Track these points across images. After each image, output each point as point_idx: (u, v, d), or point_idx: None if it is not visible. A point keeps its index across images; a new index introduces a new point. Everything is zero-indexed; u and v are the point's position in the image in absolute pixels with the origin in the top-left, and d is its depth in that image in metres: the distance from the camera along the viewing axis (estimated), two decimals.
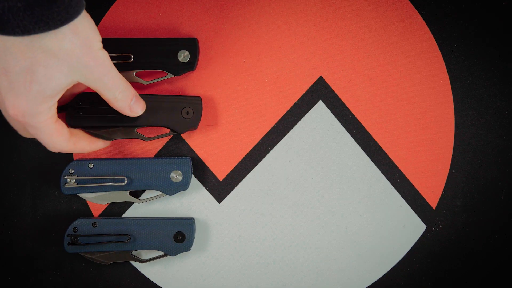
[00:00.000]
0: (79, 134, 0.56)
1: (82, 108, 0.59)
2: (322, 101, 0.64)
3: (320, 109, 0.64)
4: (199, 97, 0.61)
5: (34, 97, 0.44)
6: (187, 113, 0.60)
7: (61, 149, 0.52)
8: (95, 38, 0.46)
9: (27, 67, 0.42)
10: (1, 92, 0.45)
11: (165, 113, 0.60)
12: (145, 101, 0.58)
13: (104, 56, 0.47)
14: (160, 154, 0.63)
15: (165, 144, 0.63)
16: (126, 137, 0.60)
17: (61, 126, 0.50)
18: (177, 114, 0.60)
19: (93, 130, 0.59)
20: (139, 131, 0.61)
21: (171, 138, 0.63)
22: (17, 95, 0.44)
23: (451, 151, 0.64)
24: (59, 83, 0.45)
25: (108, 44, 0.61)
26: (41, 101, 0.45)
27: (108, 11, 0.62)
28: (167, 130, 0.61)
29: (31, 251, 0.63)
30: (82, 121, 0.58)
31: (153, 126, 0.60)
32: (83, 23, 0.44)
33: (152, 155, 0.63)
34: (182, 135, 0.63)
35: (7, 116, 0.49)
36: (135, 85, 0.63)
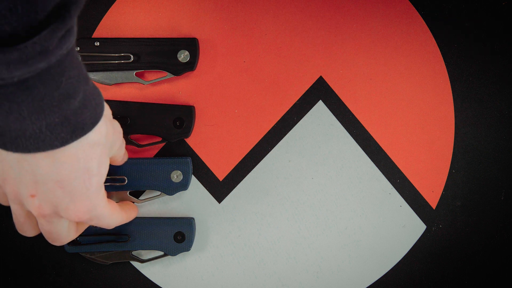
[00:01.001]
0: (119, 204, 0.57)
1: None
2: (322, 101, 0.64)
3: (320, 109, 0.64)
4: (192, 106, 0.61)
5: (95, 191, 0.44)
6: (178, 124, 0.61)
7: (120, 223, 0.52)
8: (108, 111, 0.46)
9: (82, 169, 0.42)
10: (58, 205, 0.43)
11: (157, 122, 0.61)
12: (138, 108, 0.61)
13: (117, 123, 0.50)
14: (160, 154, 0.63)
15: (165, 144, 0.63)
16: None
17: (112, 203, 0.50)
18: (169, 124, 0.61)
19: None
20: (133, 137, 0.62)
21: None
22: (79, 199, 0.43)
23: (451, 151, 0.64)
24: (107, 164, 0.46)
25: (108, 44, 0.61)
26: (99, 190, 0.45)
27: (108, 11, 0.62)
28: (160, 138, 0.62)
29: (31, 251, 0.63)
30: None
31: (146, 134, 0.62)
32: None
33: (152, 155, 0.63)
34: None
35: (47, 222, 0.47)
36: (135, 85, 0.63)
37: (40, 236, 0.63)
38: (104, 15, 0.62)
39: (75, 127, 0.39)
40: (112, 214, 0.49)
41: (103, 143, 0.43)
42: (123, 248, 0.61)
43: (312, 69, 0.63)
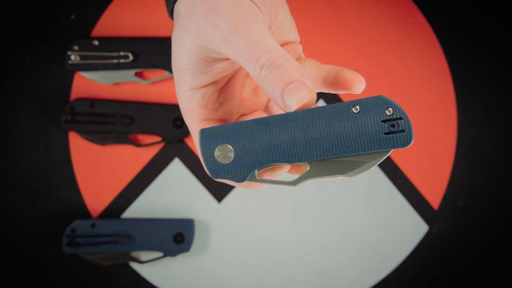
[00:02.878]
0: None
1: (76, 114, 0.60)
2: (324, 100, 0.63)
3: None
4: None
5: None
6: (178, 123, 0.61)
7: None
8: None
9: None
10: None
11: (156, 122, 0.61)
12: (138, 108, 0.59)
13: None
14: (159, 154, 0.63)
15: (165, 144, 0.63)
16: (118, 143, 0.61)
17: None
18: (169, 123, 0.61)
19: (86, 135, 0.61)
20: (131, 137, 0.62)
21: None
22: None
23: (454, 151, 0.63)
24: None
25: (107, 43, 0.60)
26: None
27: (106, 10, 0.62)
28: (159, 138, 0.62)
29: (30, 252, 0.63)
30: (76, 127, 0.61)
31: (146, 133, 0.61)
32: None
33: (152, 154, 0.63)
34: None
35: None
36: (135, 84, 0.62)
37: (38, 238, 0.63)
38: (102, 14, 0.62)
39: None
40: None
41: None
42: (122, 249, 0.61)
43: None
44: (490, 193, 0.64)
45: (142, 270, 0.64)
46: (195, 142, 0.34)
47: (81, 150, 0.63)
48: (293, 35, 0.39)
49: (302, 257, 0.64)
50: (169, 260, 0.63)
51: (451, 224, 0.64)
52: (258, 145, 0.30)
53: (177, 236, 0.62)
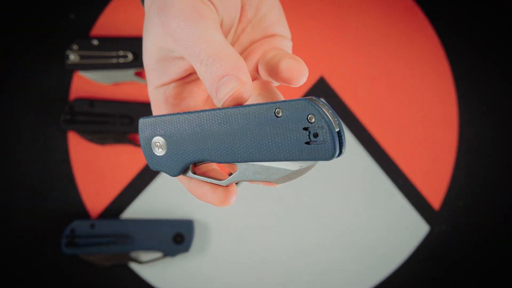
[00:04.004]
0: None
1: (76, 113, 0.60)
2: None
3: None
4: None
5: None
6: None
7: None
8: None
9: None
10: None
11: None
12: (137, 108, 0.59)
13: None
14: None
15: None
16: (118, 143, 0.61)
17: None
18: None
19: (85, 135, 0.61)
20: (131, 137, 0.62)
21: None
22: None
23: (455, 151, 0.63)
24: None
25: (106, 42, 0.60)
26: None
27: (105, 9, 0.62)
28: None
29: (29, 252, 0.63)
30: (75, 127, 0.61)
31: None
32: None
33: None
34: None
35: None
36: (134, 85, 0.62)
37: (37, 238, 0.63)
38: (101, 13, 0.62)
39: None
40: None
41: None
42: (121, 249, 0.61)
43: (313, 70, 0.63)
44: (491, 194, 0.64)
45: (142, 270, 0.63)
46: None
47: (80, 150, 0.62)
48: (281, 28, 0.38)
49: (302, 257, 0.63)
50: (168, 261, 0.63)
51: (452, 224, 0.64)
52: (187, 141, 0.29)
53: (176, 237, 0.61)
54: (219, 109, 0.28)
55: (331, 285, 0.63)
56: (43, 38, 0.62)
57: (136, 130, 0.61)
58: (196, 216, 0.63)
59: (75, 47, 0.60)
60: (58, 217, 0.63)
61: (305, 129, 0.26)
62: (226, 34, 0.34)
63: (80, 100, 0.61)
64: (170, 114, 0.29)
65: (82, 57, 0.60)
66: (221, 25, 0.32)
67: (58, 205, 0.63)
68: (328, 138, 0.26)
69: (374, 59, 0.63)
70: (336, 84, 0.63)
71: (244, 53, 0.36)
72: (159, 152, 0.30)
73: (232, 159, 0.28)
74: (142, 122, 0.30)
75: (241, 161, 0.28)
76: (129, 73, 0.61)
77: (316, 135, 0.26)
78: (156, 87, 0.34)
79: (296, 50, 0.64)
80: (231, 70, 0.29)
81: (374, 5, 0.62)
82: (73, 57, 0.60)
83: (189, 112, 0.29)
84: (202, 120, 0.29)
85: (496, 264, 0.64)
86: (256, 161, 0.28)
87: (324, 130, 0.26)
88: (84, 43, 0.60)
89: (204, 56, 0.29)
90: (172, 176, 0.30)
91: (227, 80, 0.28)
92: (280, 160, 0.27)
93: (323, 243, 0.63)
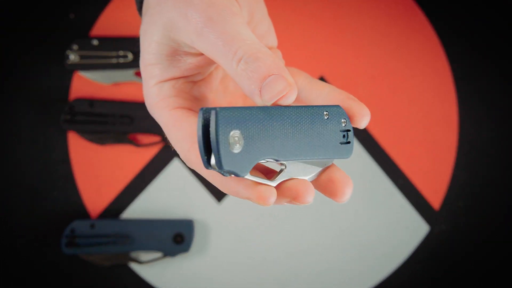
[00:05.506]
0: None
1: (76, 113, 0.60)
2: None
3: None
4: None
5: None
6: None
7: None
8: None
9: None
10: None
11: (156, 122, 0.61)
12: (137, 108, 0.60)
13: None
14: (159, 154, 0.63)
15: (165, 144, 0.63)
16: (118, 143, 0.61)
17: None
18: None
19: (85, 135, 0.61)
20: (131, 137, 0.62)
21: None
22: None
23: (455, 151, 0.63)
24: None
25: (106, 42, 0.60)
26: None
27: (105, 9, 0.62)
28: (159, 138, 0.62)
29: (29, 252, 0.63)
30: (75, 127, 0.61)
31: (145, 133, 0.61)
32: None
33: (152, 154, 0.63)
34: None
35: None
36: (134, 84, 0.62)
37: (37, 238, 0.63)
38: (101, 13, 0.62)
39: None
40: None
41: None
42: (121, 249, 0.61)
43: (313, 69, 0.63)
44: (491, 194, 0.64)
45: (142, 270, 0.63)
46: (168, 135, 0.32)
47: (80, 150, 0.62)
48: (271, 39, 0.37)
49: (302, 257, 0.63)
50: (168, 261, 0.63)
51: (452, 224, 0.64)
52: (263, 137, 0.28)
53: (176, 237, 0.61)
54: (291, 107, 0.29)
55: (331, 285, 0.63)
56: (43, 38, 0.62)
57: (136, 130, 0.61)
58: (196, 216, 0.63)
59: (75, 47, 0.60)
60: (58, 217, 0.63)
61: (341, 131, 0.31)
62: None
63: (80, 100, 0.61)
64: (244, 108, 0.28)
65: (82, 57, 0.60)
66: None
67: (58, 205, 0.63)
68: (351, 139, 0.32)
69: (374, 59, 0.63)
70: (336, 84, 0.63)
71: None
72: (237, 148, 0.27)
73: (291, 156, 0.29)
74: (222, 113, 0.27)
75: (296, 159, 0.30)
76: (129, 73, 0.61)
77: (344, 137, 0.31)
78: (160, 81, 0.32)
79: (296, 50, 0.64)
80: (275, 69, 0.27)
81: (374, 5, 0.62)
82: (73, 57, 0.60)
83: (266, 107, 0.28)
84: (280, 115, 0.28)
85: (496, 264, 0.64)
86: (304, 159, 0.30)
87: (350, 132, 0.32)
88: (84, 43, 0.60)
89: (243, 55, 0.28)
90: (241, 174, 0.28)
91: (273, 80, 0.27)
92: (319, 158, 0.31)
93: (323, 243, 0.63)
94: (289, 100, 0.28)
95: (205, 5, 0.29)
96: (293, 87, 0.28)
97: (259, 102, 0.28)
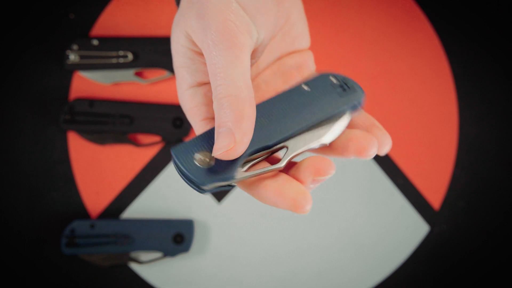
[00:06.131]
0: None
1: (75, 113, 0.60)
2: None
3: None
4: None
5: None
6: (177, 123, 0.61)
7: None
8: None
9: None
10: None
11: (156, 122, 0.61)
12: (137, 108, 0.60)
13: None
14: (159, 154, 0.63)
15: (165, 144, 0.63)
16: (118, 143, 0.61)
17: None
18: (168, 123, 0.61)
19: (85, 135, 0.61)
20: (131, 137, 0.62)
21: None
22: None
23: (455, 151, 0.63)
24: None
25: (107, 42, 0.60)
26: None
27: (105, 9, 0.62)
28: (159, 138, 0.62)
29: (28, 253, 0.63)
30: (75, 127, 0.61)
31: (145, 133, 0.61)
32: None
33: (152, 154, 0.63)
34: None
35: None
36: (134, 84, 0.62)
37: (37, 238, 0.63)
38: (101, 13, 0.62)
39: None
40: None
41: None
42: (121, 249, 0.61)
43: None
44: (492, 194, 0.64)
45: (142, 270, 0.63)
46: None
47: (80, 150, 0.62)
48: (304, 40, 0.38)
49: (302, 257, 0.63)
50: (168, 261, 0.63)
51: (452, 224, 0.64)
52: None
53: (176, 237, 0.61)
54: (266, 101, 0.31)
55: (331, 285, 0.63)
56: (43, 38, 0.62)
57: (136, 130, 0.61)
58: (196, 216, 0.63)
59: (75, 47, 0.60)
60: (58, 217, 0.63)
61: (333, 86, 0.32)
62: (263, 49, 0.33)
63: (80, 100, 0.61)
64: (206, 131, 0.30)
65: (82, 57, 0.60)
66: (259, 42, 0.32)
67: (58, 205, 0.63)
68: (354, 84, 0.32)
69: (374, 59, 0.63)
70: None
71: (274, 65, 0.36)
72: (207, 164, 0.30)
73: (280, 136, 0.30)
74: (175, 150, 0.29)
75: (288, 135, 0.30)
76: (129, 73, 0.61)
77: (343, 89, 0.32)
78: (192, 86, 0.32)
79: None
80: (233, 121, 0.28)
81: (374, 5, 0.62)
82: (73, 57, 0.60)
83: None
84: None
85: (496, 264, 0.64)
86: (306, 131, 0.31)
87: (346, 81, 0.32)
88: (84, 43, 0.60)
89: (220, 92, 0.29)
90: (228, 180, 0.29)
91: (222, 133, 0.28)
92: (327, 117, 0.31)
93: (323, 243, 0.63)
94: (230, 157, 0.29)
95: (214, 29, 0.29)
96: (239, 145, 0.28)
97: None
